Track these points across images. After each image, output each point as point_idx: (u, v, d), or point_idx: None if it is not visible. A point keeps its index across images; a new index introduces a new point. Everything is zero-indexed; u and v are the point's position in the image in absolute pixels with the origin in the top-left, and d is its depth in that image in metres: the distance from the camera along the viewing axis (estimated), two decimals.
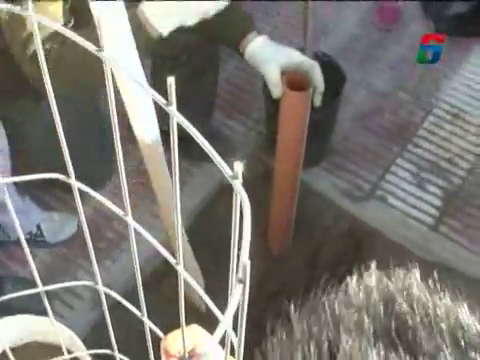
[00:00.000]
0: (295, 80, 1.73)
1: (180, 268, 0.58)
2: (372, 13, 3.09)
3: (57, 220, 2.26)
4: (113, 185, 2.33)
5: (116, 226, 2.26)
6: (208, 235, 2.20)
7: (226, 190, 2.40)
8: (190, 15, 1.44)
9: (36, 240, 2.22)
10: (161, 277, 2.15)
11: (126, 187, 0.60)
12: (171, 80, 0.43)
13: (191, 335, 0.76)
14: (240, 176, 0.42)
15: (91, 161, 2.13)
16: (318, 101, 1.81)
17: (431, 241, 2.29)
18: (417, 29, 3.04)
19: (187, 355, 0.75)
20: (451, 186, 2.44)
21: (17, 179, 0.59)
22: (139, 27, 1.44)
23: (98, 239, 2.25)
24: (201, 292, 0.56)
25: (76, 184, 0.63)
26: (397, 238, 2.31)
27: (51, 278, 2.12)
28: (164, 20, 1.46)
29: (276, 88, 1.73)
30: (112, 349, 0.84)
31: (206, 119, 2.41)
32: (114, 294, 0.74)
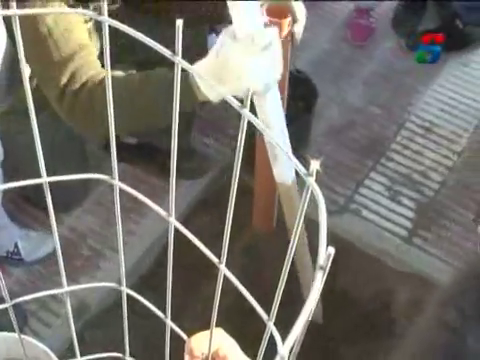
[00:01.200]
0: (275, 11, 1.71)
1: (222, 267, 0.59)
2: (344, 29, 3.13)
3: (34, 238, 2.26)
4: (91, 201, 2.34)
5: (92, 244, 2.27)
6: (188, 246, 2.21)
7: (204, 204, 2.42)
8: (237, 88, 1.30)
9: (12, 258, 2.22)
10: (155, 277, 2.17)
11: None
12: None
13: (216, 338, 0.76)
14: (314, 174, 0.44)
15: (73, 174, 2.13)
16: (300, 31, 1.72)
17: (405, 253, 2.32)
18: (388, 45, 3.09)
19: (210, 358, 0.76)
20: (424, 198, 2.47)
21: (7, 186, 0.59)
22: (189, 89, 1.39)
23: (75, 257, 2.25)
24: (247, 294, 0.57)
25: (117, 183, 0.63)
26: (371, 250, 2.33)
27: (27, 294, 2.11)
28: (217, 90, 1.37)
29: None
30: None
31: (187, 134, 2.42)
32: (135, 295, 0.74)
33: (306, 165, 0.45)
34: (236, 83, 1.30)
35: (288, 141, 1.57)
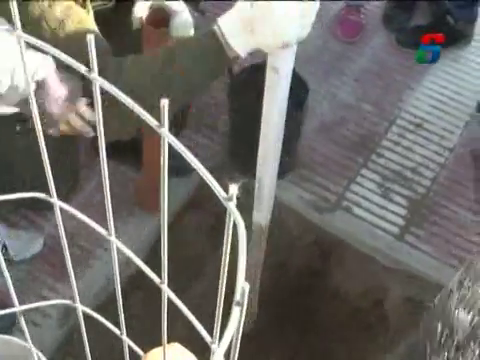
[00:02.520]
0: (157, 18, 1.71)
1: (164, 287, 0.57)
2: (334, 25, 3.12)
3: (23, 238, 2.23)
4: (76, 202, 2.31)
5: (82, 243, 2.24)
6: (174, 249, 2.19)
7: (189, 204, 2.40)
8: (272, 38, 1.26)
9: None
10: (126, 295, 2.14)
11: (111, 208, 0.59)
12: (164, 102, 0.42)
13: (172, 353, 0.75)
14: (235, 198, 0.41)
15: (58, 177, 2.11)
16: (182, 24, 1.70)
17: (397, 250, 2.31)
18: (379, 41, 3.08)
19: None
20: (416, 195, 2.46)
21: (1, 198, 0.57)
22: (218, 47, 1.30)
23: (63, 256, 2.22)
24: (188, 313, 0.55)
25: (58, 203, 0.62)
26: (364, 248, 2.32)
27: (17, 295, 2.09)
28: (244, 39, 1.29)
29: (135, 20, 1.73)
30: None
31: (175, 132, 2.40)
32: (93, 313, 0.72)
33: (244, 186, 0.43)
34: (273, 33, 1.26)
35: (283, 120, 1.53)
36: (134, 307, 2.07)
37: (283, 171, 2.50)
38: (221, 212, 2.06)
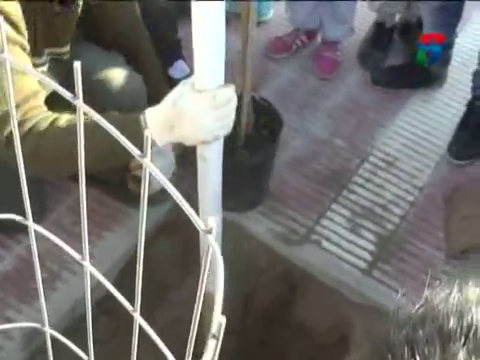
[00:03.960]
0: None
1: (137, 315, 0.57)
2: (310, 61, 3.16)
3: None
4: (49, 223, 2.31)
5: (49, 265, 2.23)
6: (143, 275, 2.19)
7: (163, 230, 2.40)
8: (190, 136, 1.37)
9: None
10: (92, 320, 2.12)
11: (86, 232, 0.59)
12: (148, 132, 0.43)
13: None
14: (214, 231, 0.42)
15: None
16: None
17: (364, 285, 2.32)
18: (354, 79, 3.12)
19: None
20: (385, 231, 2.48)
21: None
22: (138, 133, 1.40)
23: (31, 279, 2.21)
24: (160, 342, 0.55)
25: (33, 226, 0.62)
26: (331, 282, 2.33)
27: None
28: (164, 133, 1.42)
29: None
30: None
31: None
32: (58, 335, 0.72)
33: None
34: (190, 132, 1.36)
35: (220, 199, 1.57)
36: (99, 332, 2.05)
37: (253, 202, 2.52)
38: (190, 240, 2.05)
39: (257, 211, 2.50)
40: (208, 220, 0.41)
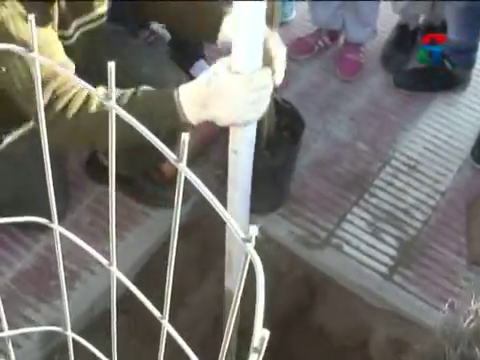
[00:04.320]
0: None
1: (165, 322, 0.56)
2: (332, 63, 3.14)
3: None
4: (68, 222, 2.30)
5: (67, 265, 2.22)
6: (162, 276, 2.18)
7: (181, 232, 2.38)
8: (223, 117, 1.35)
9: None
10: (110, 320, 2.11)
11: (114, 238, 0.58)
12: (185, 136, 0.42)
13: None
14: (253, 240, 0.40)
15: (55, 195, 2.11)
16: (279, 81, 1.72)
17: (385, 290, 2.30)
18: (376, 81, 3.10)
19: None
20: (406, 236, 2.46)
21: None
22: (173, 110, 1.42)
23: (50, 277, 2.21)
24: (188, 350, 0.54)
25: (58, 228, 0.61)
26: (351, 286, 2.31)
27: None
28: (196, 111, 1.41)
29: None
30: None
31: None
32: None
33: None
34: (222, 113, 1.34)
35: (248, 195, 1.55)
36: (118, 331, 2.04)
37: (274, 205, 2.50)
38: (207, 241, 2.04)
39: (278, 214, 2.48)
40: (250, 228, 0.40)
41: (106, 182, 2.65)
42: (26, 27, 1.51)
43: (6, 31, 1.50)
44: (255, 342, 0.38)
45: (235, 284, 1.56)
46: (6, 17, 1.51)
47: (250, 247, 0.40)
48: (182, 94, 1.42)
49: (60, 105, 1.54)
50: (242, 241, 0.41)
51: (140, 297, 0.56)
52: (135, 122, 0.47)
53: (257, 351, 0.38)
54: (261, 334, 0.37)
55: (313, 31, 3.20)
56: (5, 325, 0.68)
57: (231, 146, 1.36)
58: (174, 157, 0.45)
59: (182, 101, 1.41)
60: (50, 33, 1.66)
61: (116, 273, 0.58)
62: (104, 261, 0.58)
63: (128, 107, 1.47)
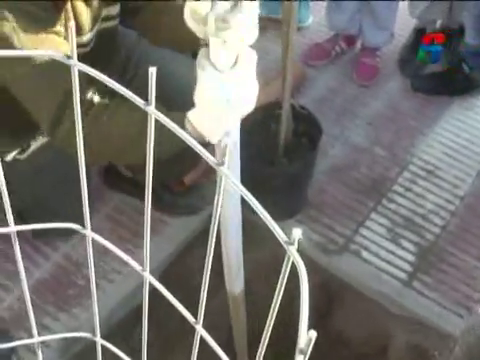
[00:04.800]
0: None
1: (199, 327, 0.56)
2: (349, 68, 3.14)
3: None
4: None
5: (87, 273, 2.23)
6: (181, 283, 2.18)
7: (200, 239, 2.39)
8: (235, 126, 1.34)
9: None
10: (130, 327, 2.12)
11: (148, 241, 0.58)
12: (226, 141, 0.42)
13: None
14: (296, 243, 0.40)
15: (73, 207, 2.12)
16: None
17: (404, 296, 2.28)
18: (394, 86, 3.09)
19: None
20: (425, 242, 2.44)
21: (31, 227, 0.57)
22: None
23: (68, 286, 2.22)
24: (221, 354, 0.54)
25: (91, 235, 0.61)
26: (370, 293, 2.30)
27: (19, 323, 2.08)
28: (212, 129, 1.39)
29: None
30: None
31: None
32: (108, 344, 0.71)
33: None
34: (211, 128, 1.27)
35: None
36: (136, 340, 2.05)
37: (292, 211, 2.50)
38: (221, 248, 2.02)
39: (296, 220, 2.48)
40: (293, 231, 0.40)
41: (124, 191, 2.68)
42: (28, 38, 1.52)
43: (11, 45, 1.50)
44: (301, 343, 0.38)
45: (236, 286, 1.54)
46: (9, 32, 1.50)
47: (293, 250, 0.40)
48: (192, 118, 1.40)
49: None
50: (285, 244, 0.41)
51: (173, 302, 0.56)
52: (174, 126, 0.47)
53: (303, 352, 0.38)
54: (308, 336, 0.37)
55: (330, 36, 3.20)
56: (35, 331, 0.68)
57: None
58: (214, 160, 0.45)
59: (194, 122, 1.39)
60: (63, 44, 1.65)
61: (149, 278, 0.59)
62: (138, 267, 0.58)
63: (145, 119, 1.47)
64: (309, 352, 0.38)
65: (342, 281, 2.33)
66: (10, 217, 0.54)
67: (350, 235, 2.46)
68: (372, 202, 2.57)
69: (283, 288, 0.43)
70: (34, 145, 2.01)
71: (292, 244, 0.40)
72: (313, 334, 0.37)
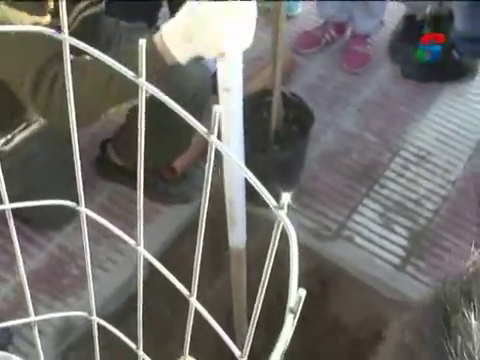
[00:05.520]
0: None
1: (193, 300, 0.56)
2: (339, 56, 3.14)
3: None
4: (80, 221, 2.31)
5: (80, 262, 2.23)
6: (174, 271, 2.19)
7: (192, 228, 2.39)
8: (210, 47, 1.30)
9: None
10: (124, 316, 2.13)
11: (142, 215, 0.58)
12: (217, 109, 0.42)
13: None
14: (286, 207, 0.41)
15: (62, 194, 2.12)
16: None
17: (398, 281, 2.30)
18: (384, 73, 3.09)
19: None
20: (417, 227, 2.46)
21: (23, 205, 0.57)
22: (157, 54, 1.41)
23: (63, 275, 2.22)
24: (217, 326, 0.54)
25: (85, 211, 0.61)
26: (364, 278, 2.31)
27: (13, 313, 2.08)
28: (183, 47, 1.39)
29: None
30: None
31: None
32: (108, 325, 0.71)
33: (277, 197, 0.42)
34: (209, 42, 1.29)
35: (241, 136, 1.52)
36: (131, 328, 2.05)
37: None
38: (219, 238, 2.04)
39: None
40: (282, 196, 0.40)
41: (116, 180, 2.67)
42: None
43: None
44: (291, 302, 0.38)
45: (239, 239, 1.54)
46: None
47: (283, 214, 0.41)
48: (166, 31, 1.40)
49: (47, 80, 1.57)
50: (274, 208, 0.41)
51: (167, 275, 0.56)
52: (165, 98, 0.47)
53: (293, 311, 0.38)
54: (299, 294, 0.38)
55: (319, 24, 3.20)
56: (31, 310, 0.68)
57: (221, 84, 1.31)
58: (204, 130, 0.45)
59: (166, 37, 1.40)
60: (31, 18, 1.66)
61: (143, 252, 0.59)
62: (132, 242, 0.58)
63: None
64: (299, 311, 0.39)
65: (336, 267, 2.34)
66: (4, 194, 0.54)
67: (343, 221, 2.47)
68: (364, 188, 2.58)
69: (274, 252, 0.44)
70: (18, 136, 2.02)
71: (282, 208, 0.41)
72: (303, 292, 0.38)
